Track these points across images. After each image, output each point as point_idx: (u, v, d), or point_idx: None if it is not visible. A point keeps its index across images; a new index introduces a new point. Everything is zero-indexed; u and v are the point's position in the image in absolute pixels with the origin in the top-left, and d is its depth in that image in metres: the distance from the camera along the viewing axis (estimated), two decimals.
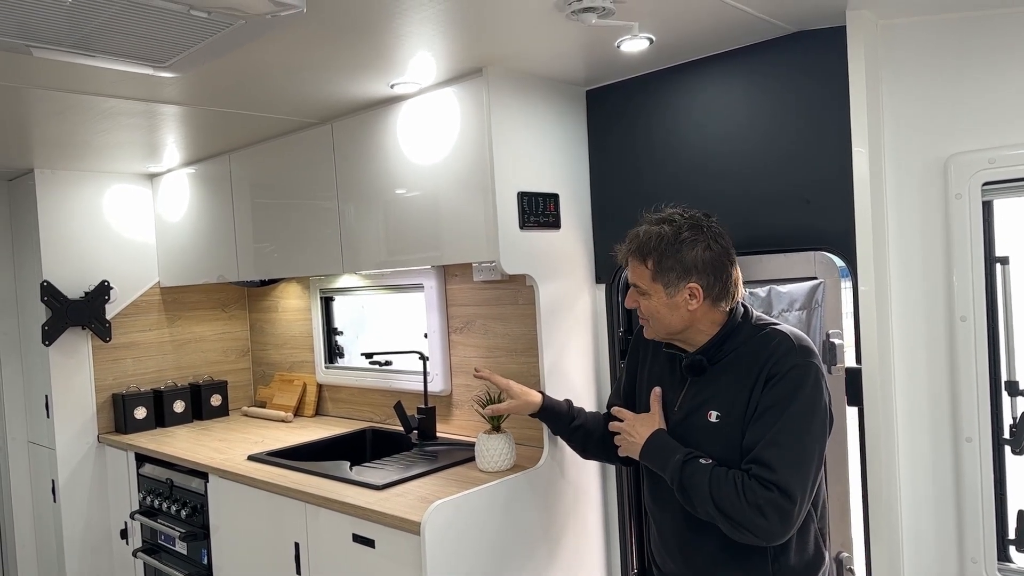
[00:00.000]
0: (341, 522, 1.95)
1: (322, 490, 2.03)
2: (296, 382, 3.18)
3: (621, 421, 1.65)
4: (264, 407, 3.24)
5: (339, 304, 3.11)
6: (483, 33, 1.66)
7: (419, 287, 2.69)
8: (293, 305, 3.27)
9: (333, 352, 3.12)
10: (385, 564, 1.85)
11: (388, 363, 2.81)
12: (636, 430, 1.62)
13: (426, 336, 2.67)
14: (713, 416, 1.51)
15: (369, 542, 1.88)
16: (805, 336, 1.50)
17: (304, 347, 3.22)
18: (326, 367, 3.09)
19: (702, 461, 1.48)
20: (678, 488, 1.50)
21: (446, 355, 2.63)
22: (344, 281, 2.99)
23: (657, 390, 1.63)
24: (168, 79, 1.83)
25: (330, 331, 3.12)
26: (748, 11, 1.61)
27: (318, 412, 3.13)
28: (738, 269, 1.53)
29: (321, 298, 3.10)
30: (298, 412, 3.12)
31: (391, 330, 2.92)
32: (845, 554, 2.06)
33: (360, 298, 3.02)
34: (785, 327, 1.51)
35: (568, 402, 1.86)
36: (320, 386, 3.13)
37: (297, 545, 2.11)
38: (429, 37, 1.66)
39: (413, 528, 1.74)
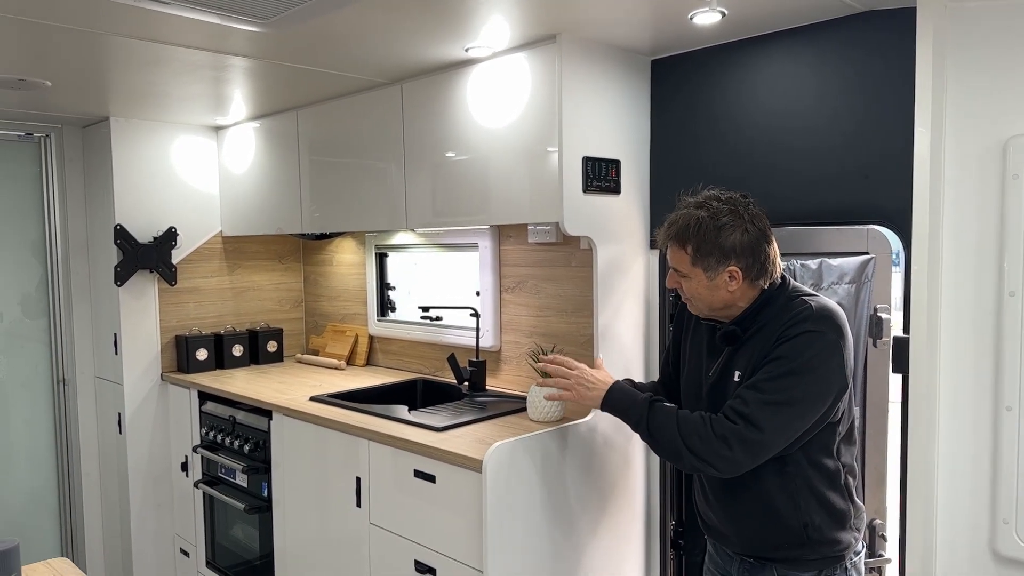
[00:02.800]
0: (403, 459, 2.09)
1: (385, 428, 2.17)
2: (348, 333, 3.32)
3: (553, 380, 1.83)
4: (317, 355, 3.39)
5: (392, 260, 3.23)
6: (564, 1, 1.74)
7: (474, 246, 2.80)
8: (347, 260, 3.40)
9: (385, 306, 3.25)
10: (445, 498, 1.98)
11: (439, 318, 2.94)
12: (595, 378, 1.76)
13: (478, 294, 2.78)
14: (736, 376, 1.61)
15: (430, 478, 2.02)
16: (835, 310, 1.56)
17: (356, 300, 3.36)
18: (378, 320, 3.23)
19: (667, 404, 1.63)
20: (644, 430, 1.63)
21: (497, 312, 2.74)
22: (399, 238, 3.10)
23: (600, 358, 1.90)
24: (252, 34, 1.92)
25: (383, 286, 3.25)
26: None
27: (369, 362, 3.27)
28: (775, 247, 1.61)
29: (376, 254, 3.23)
30: (350, 361, 3.27)
31: (441, 287, 3.03)
32: (878, 521, 2.17)
33: (414, 255, 3.14)
34: (817, 299, 1.58)
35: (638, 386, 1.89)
36: (371, 337, 3.27)
37: (358, 479, 2.25)
38: (511, 4, 1.74)
39: (474, 466, 1.87)
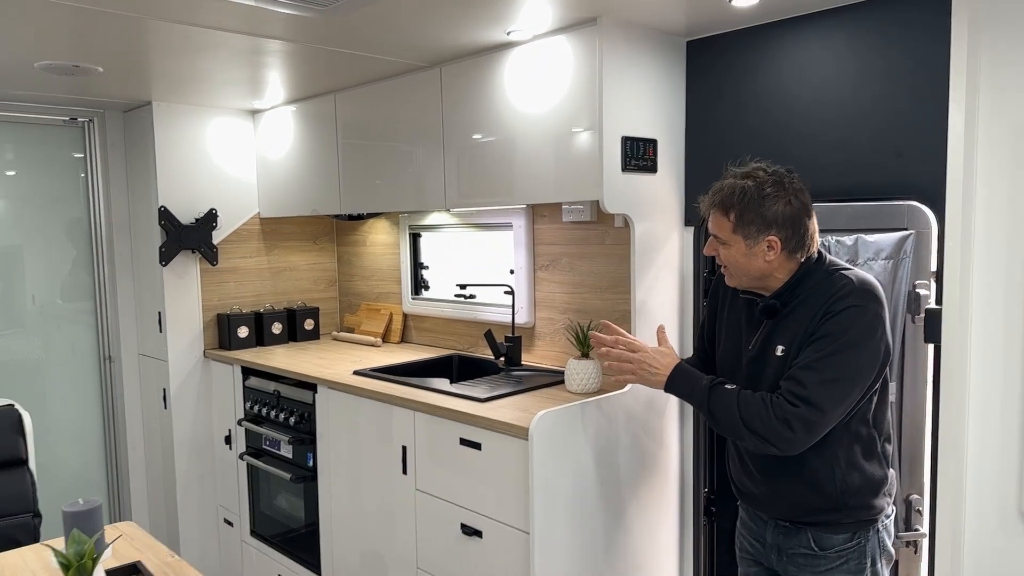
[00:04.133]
0: (449, 428, 2.19)
1: (430, 399, 2.26)
2: (382, 311, 3.42)
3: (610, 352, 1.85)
4: (352, 332, 3.49)
5: (425, 240, 3.32)
6: None
7: (507, 226, 2.87)
8: (381, 240, 3.49)
9: (419, 284, 3.34)
10: (491, 464, 2.08)
11: (472, 296, 3.03)
12: (659, 362, 1.79)
13: (512, 272, 2.86)
14: (779, 351, 1.66)
15: (476, 445, 2.11)
16: (873, 282, 1.63)
17: (390, 279, 3.45)
18: (412, 298, 3.32)
19: (727, 387, 1.66)
20: (706, 412, 1.68)
21: (531, 290, 2.82)
22: (433, 219, 3.18)
23: (662, 325, 1.90)
24: (298, 19, 1.98)
25: (417, 265, 3.34)
26: None
27: (403, 339, 3.37)
28: (815, 222, 1.67)
29: (410, 234, 3.31)
30: (384, 338, 3.36)
31: (474, 266, 3.11)
32: (915, 496, 2.22)
33: (447, 235, 3.21)
34: (854, 272, 1.64)
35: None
36: (405, 315, 3.36)
37: (404, 448, 2.35)
38: None
39: (520, 433, 1.96)
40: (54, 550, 1.44)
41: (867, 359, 1.57)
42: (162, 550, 1.90)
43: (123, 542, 1.95)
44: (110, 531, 1.96)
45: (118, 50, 2.34)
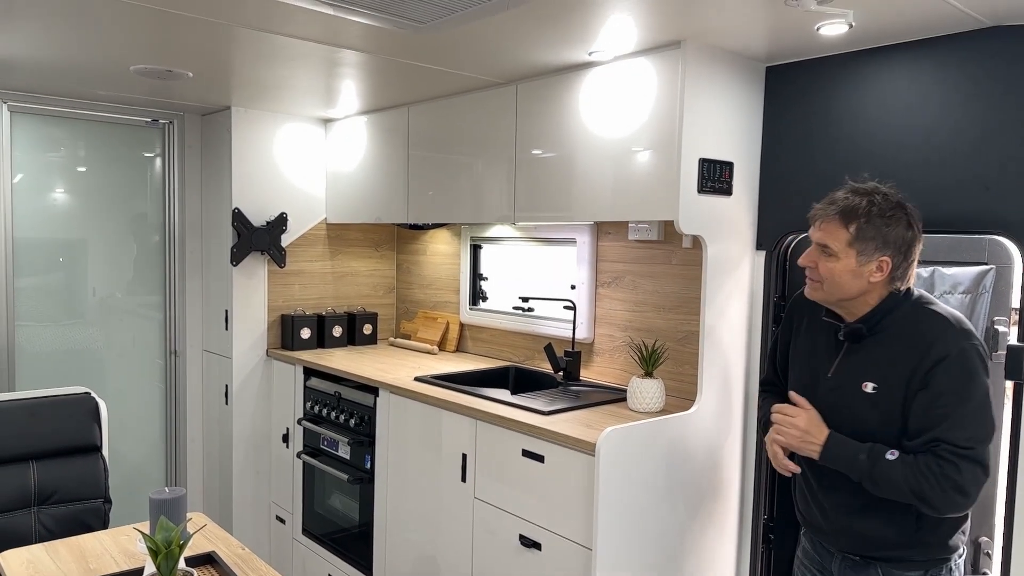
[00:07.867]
0: (511, 438, 2.21)
1: (492, 409, 2.29)
2: (439, 319, 3.47)
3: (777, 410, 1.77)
4: (408, 339, 3.55)
5: (486, 252, 3.36)
6: (693, 9, 1.81)
7: (570, 241, 2.90)
8: (441, 250, 3.54)
9: (477, 295, 3.38)
10: (553, 477, 2.09)
11: (531, 309, 3.06)
12: (813, 435, 1.67)
13: (573, 287, 2.88)
14: (869, 387, 1.62)
15: (539, 457, 2.13)
16: (963, 317, 1.61)
17: (448, 289, 3.50)
18: (470, 308, 3.36)
19: (888, 457, 1.56)
20: (869, 484, 1.59)
21: (592, 306, 2.84)
22: (495, 231, 3.23)
23: (797, 395, 1.73)
24: (387, 33, 2.03)
25: (476, 276, 3.38)
26: (952, 3, 1.71)
27: (459, 349, 3.41)
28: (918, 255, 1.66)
29: (471, 245, 3.36)
30: (440, 347, 3.41)
31: (534, 280, 3.14)
32: (984, 539, 2.17)
33: (508, 248, 3.25)
34: (944, 308, 1.63)
35: None
36: (462, 325, 3.40)
37: (464, 456, 2.38)
38: (643, 14, 1.83)
39: (586, 448, 1.97)
40: (144, 535, 1.50)
41: (991, 397, 1.56)
42: (232, 542, 1.96)
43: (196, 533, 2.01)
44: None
45: (207, 56, 2.43)
